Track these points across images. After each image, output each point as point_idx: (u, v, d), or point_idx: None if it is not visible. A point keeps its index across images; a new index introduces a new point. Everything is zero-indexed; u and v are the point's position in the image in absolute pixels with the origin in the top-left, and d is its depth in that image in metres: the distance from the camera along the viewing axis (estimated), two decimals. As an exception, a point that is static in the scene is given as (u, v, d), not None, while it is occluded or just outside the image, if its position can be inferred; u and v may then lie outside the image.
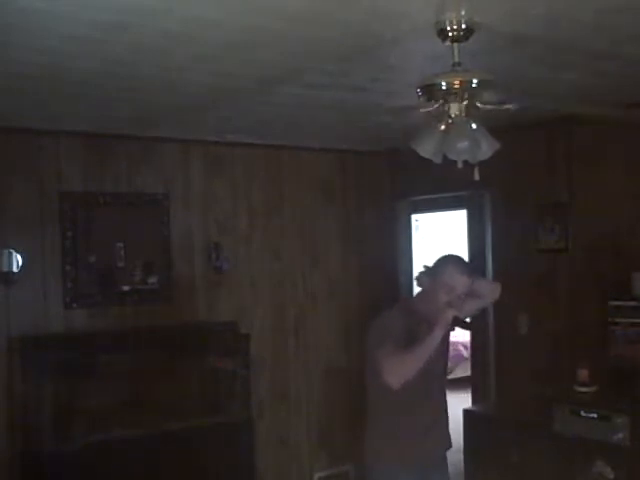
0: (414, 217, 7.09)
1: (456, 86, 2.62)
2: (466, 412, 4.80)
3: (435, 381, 3.17)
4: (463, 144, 2.64)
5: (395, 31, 2.86)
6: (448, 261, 3.10)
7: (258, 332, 5.50)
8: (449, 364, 3.60)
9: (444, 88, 2.64)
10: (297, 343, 5.83)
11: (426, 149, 2.73)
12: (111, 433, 4.52)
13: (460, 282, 2.98)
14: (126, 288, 5.02)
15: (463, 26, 2.67)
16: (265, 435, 5.50)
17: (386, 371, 2.84)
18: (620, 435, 3.99)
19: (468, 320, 3.07)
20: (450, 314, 2.84)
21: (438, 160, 2.75)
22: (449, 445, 3.35)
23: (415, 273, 6.54)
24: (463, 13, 2.62)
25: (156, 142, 5.15)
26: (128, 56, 3.12)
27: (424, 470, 3.17)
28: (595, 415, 4.12)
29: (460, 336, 7.57)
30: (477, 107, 2.70)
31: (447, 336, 3.19)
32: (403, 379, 2.82)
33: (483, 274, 5.69)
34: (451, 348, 3.62)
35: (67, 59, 3.13)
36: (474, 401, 6.02)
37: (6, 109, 4.11)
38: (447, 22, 2.66)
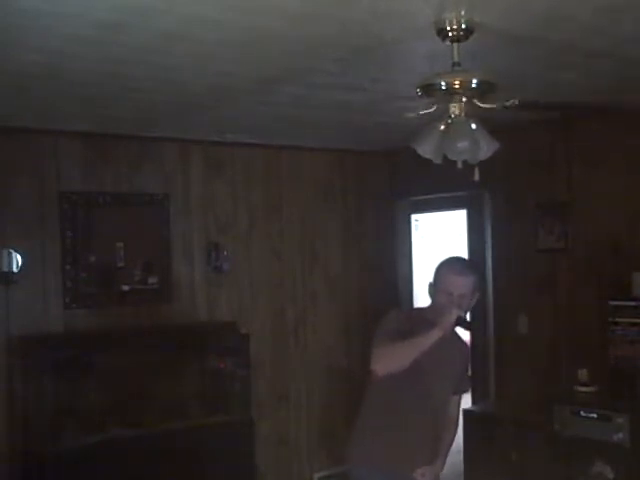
0: (414, 217, 7.10)
1: (456, 86, 2.63)
2: (466, 412, 4.80)
3: (428, 399, 3.02)
4: (463, 144, 2.64)
5: (395, 31, 2.86)
6: (443, 264, 3.05)
7: (258, 332, 5.50)
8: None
9: (444, 88, 2.64)
10: (297, 343, 5.83)
11: (426, 149, 2.73)
12: (111, 433, 4.52)
13: (456, 283, 2.92)
14: (126, 288, 5.02)
15: (463, 26, 2.67)
16: (265, 435, 5.50)
17: (373, 357, 2.83)
18: (620, 435, 3.99)
19: (468, 319, 3.01)
20: (454, 315, 2.79)
21: (438, 160, 2.75)
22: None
23: (415, 274, 6.59)
24: (463, 13, 2.62)
25: (156, 142, 5.15)
26: (128, 56, 3.12)
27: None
28: (595, 415, 4.12)
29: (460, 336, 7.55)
30: (477, 107, 2.70)
31: (456, 367, 3.15)
32: (388, 367, 2.79)
33: (482, 274, 5.70)
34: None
35: (67, 59, 3.13)
36: (474, 401, 6.02)
37: (6, 109, 4.11)
38: (447, 22, 2.67)
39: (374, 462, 3.02)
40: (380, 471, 3.00)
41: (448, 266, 3.03)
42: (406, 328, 2.88)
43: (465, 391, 3.28)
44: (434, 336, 2.75)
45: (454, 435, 3.26)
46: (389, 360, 2.81)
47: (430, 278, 3.07)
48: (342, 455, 3.29)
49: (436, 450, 3.13)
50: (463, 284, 2.93)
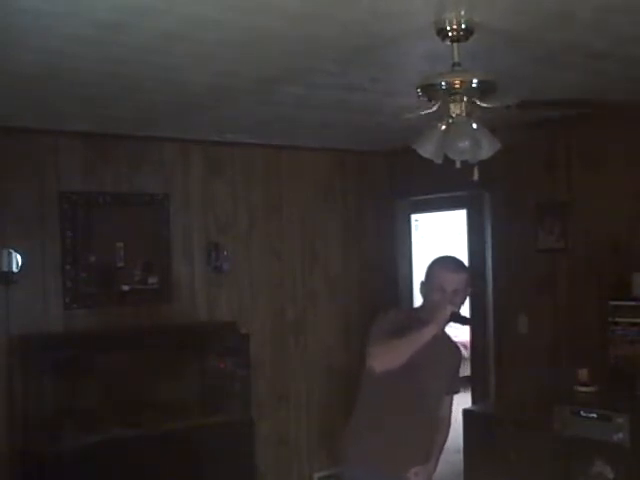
0: (414, 217, 7.10)
1: (456, 86, 2.63)
2: (466, 412, 4.80)
3: (424, 398, 3.02)
4: (464, 144, 2.64)
5: (395, 31, 2.86)
6: (435, 262, 3.08)
7: (258, 332, 5.50)
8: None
9: (444, 88, 2.64)
10: (297, 343, 5.83)
11: (427, 149, 2.73)
12: (111, 433, 4.52)
13: (448, 279, 2.94)
14: (126, 288, 5.02)
15: (463, 26, 2.68)
16: (265, 435, 5.50)
17: (371, 354, 2.83)
18: (620, 435, 3.99)
19: (465, 315, 3.01)
20: (448, 310, 2.80)
21: (439, 160, 2.75)
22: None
23: (415, 274, 6.58)
24: (463, 13, 2.62)
25: (156, 142, 5.15)
26: (128, 56, 3.12)
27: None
28: (595, 415, 4.12)
29: (460, 336, 7.57)
30: (477, 106, 2.70)
31: (449, 366, 3.14)
32: (384, 364, 2.78)
33: (482, 274, 5.70)
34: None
35: (67, 59, 3.13)
36: (474, 401, 6.02)
37: (6, 109, 4.11)
38: (447, 22, 2.67)
39: (371, 462, 3.00)
40: (378, 471, 2.99)
41: (440, 264, 3.05)
42: (401, 326, 2.89)
43: (457, 392, 3.28)
44: (429, 332, 2.76)
45: (446, 435, 3.25)
46: (386, 357, 2.81)
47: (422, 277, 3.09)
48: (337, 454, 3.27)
49: (431, 450, 3.13)
50: (456, 280, 2.95)
